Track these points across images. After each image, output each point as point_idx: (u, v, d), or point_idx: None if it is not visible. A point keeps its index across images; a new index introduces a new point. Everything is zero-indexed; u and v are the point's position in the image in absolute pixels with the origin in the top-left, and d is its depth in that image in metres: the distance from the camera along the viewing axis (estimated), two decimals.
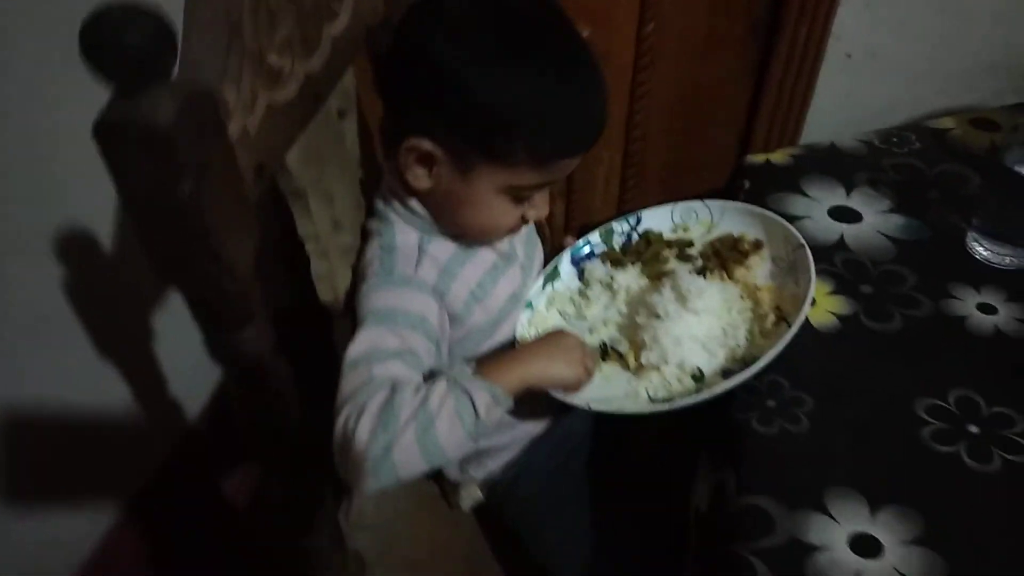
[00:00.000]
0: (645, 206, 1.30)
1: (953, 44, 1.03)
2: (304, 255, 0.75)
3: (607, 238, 0.87)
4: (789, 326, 0.67)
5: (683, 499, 0.75)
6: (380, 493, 0.94)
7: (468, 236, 0.74)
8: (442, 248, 0.74)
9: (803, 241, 0.74)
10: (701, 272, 0.79)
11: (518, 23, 0.64)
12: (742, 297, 0.76)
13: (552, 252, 0.89)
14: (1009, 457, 0.62)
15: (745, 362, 0.68)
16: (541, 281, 0.84)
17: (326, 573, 0.82)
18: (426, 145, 0.65)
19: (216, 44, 0.53)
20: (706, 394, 0.66)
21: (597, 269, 0.84)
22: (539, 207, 0.72)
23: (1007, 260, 0.78)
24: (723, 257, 0.79)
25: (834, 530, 0.58)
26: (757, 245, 0.79)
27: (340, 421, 0.63)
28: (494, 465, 0.86)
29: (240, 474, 1.39)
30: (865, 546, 0.57)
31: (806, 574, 0.55)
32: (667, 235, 0.85)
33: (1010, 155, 0.74)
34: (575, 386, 0.72)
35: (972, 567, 0.55)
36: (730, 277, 0.78)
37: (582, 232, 0.89)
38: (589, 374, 0.73)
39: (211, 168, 0.50)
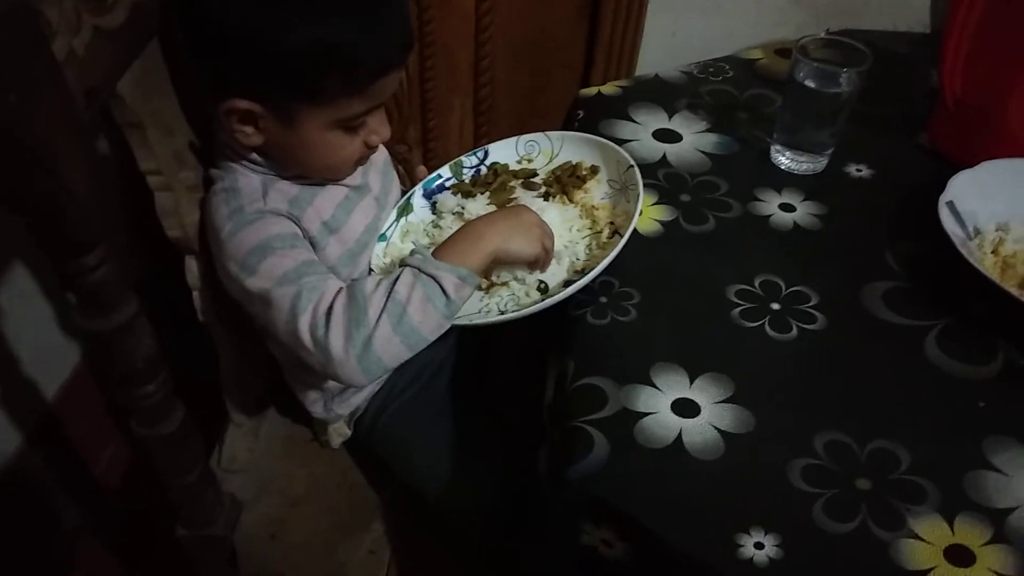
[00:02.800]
0: None
1: None
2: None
3: (457, 171, 0.91)
4: (621, 237, 0.73)
5: (539, 404, 0.81)
6: (253, 438, 0.95)
7: (318, 177, 0.76)
8: (287, 186, 0.75)
9: (632, 162, 0.81)
10: (544, 198, 0.84)
11: None
12: (581, 217, 0.82)
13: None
14: (804, 326, 0.71)
15: (584, 273, 0.74)
16: (395, 214, 0.87)
17: (199, 511, 0.83)
18: (243, 104, 0.66)
19: None
20: (548, 301, 0.71)
21: (448, 200, 0.88)
22: (378, 130, 0.73)
23: (805, 166, 0.88)
24: (563, 183, 0.85)
25: (659, 398, 0.65)
26: (594, 170, 0.86)
27: (306, 336, 0.66)
28: (358, 400, 0.88)
29: (110, 455, 1.35)
30: (685, 408, 0.64)
31: (636, 437, 0.62)
32: (513, 166, 0.90)
33: (797, 71, 0.84)
34: (535, 263, 0.74)
35: (774, 417, 0.64)
36: (570, 200, 0.83)
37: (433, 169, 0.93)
38: (548, 254, 0.74)
39: (37, 83, 0.51)
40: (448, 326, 0.69)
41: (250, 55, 0.64)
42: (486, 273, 0.79)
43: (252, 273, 0.69)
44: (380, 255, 0.83)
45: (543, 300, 0.72)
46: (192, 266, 0.78)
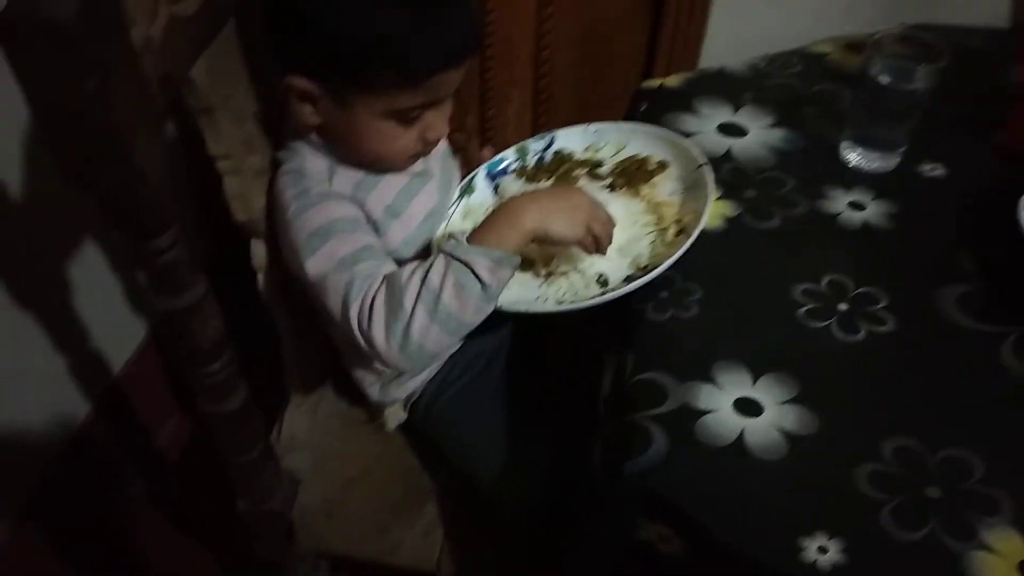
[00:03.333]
0: None
1: None
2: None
3: (522, 155, 0.90)
4: (688, 237, 0.71)
5: (595, 396, 0.80)
6: (312, 417, 0.97)
7: (372, 165, 0.76)
8: (352, 171, 0.76)
9: (704, 160, 0.78)
10: (609, 189, 0.82)
11: None
12: (646, 212, 0.80)
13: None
14: (873, 328, 0.69)
15: (647, 270, 0.72)
16: (457, 194, 0.87)
17: (258, 487, 0.84)
18: (302, 83, 0.68)
19: None
20: (607, 295, 0.70)
21: (511, 184, 0.87)
22: (436, 127, 0.73)
23: (876, 164, 0.86)
24: (630, 176, 0.83)
25: (720, 396, 0.64)
26: (662, 165, 0.83)
27: (354, 327, 0.67)
28: (413, 384, 0.89)
29: (171, 428, 1.40)
30: (748, 407, 0.63)
31: (696, 433, 0.61)
32: (579, 155, 0.88)
33: (872, 67, 0.81)
34: (582, 247, 0.72)
35: (838, 418, 0.62)
36: (636, 195, 0.82)
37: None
38: (599, 241, 0.71)
39: (115, 68, 0.52)
40: (491, 308, 0.68)
41: (309, 36, 0.66)
42: (545, 260, 0.78)
43: (312, 254, 0.70)
44: (444, 237, 0.83)
45: (602, 294, 0.71)
46: (258, 249, 0.80)
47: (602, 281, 0.75)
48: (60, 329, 1.12)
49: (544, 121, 1.33)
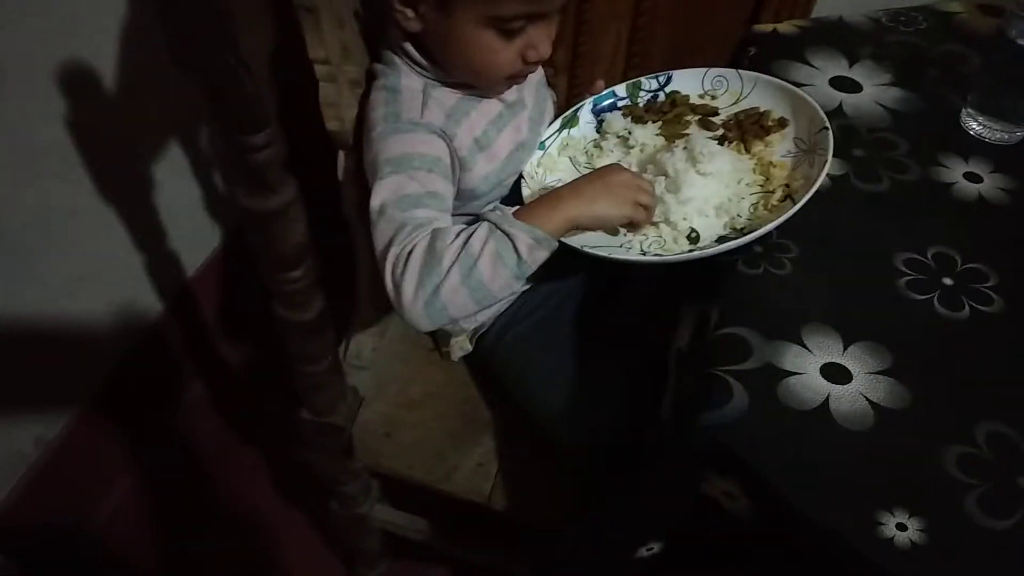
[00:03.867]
0: None
1: None
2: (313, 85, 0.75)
3: (633, 92, 0.86)
4: (793, 204, 0.68)
5: (667, 350, 0.79)
6: (379, 338, 0.97)
7: (469, 79, 0.74)
8: (447, 95, 0.74)
9: (828, 124, 0.73)
10: (719, 141, 0.78)
11: None
12: (754, 171, 0.76)
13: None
14: (978, 307, 0.65)
15: (743, 233, 0.70)
16: (559, 124, 0.84)
17: (323, 399, 0.86)
18: None
19: None
20: (694, 254, 0.68)
21: (616, 122, 0.84)
22: (538, 45, 0.71)
23: (998, 135, 0.80)
24: (744, 129, 0.78)
25: (808, 359, 0.61)
26: (781, 123, 0.78)
27: (387, 270, 0.67)
28: (483, 316, 0.89)
29: (235, 340, 1.44)
30: (836, 373, 0.61)
31: (779, 393, 0.59)
32: (694, 99, 0.84)
33: (1012, 28, 0.75)
34: (631, 225, 0.72)
35: (931, 395, 0.59)
36: (747, 151, 0.77)
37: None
38: (647, 211, 0.71)
39: None
40: (518, 287, 0.68)
41: None
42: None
43: (383, 179, 0.69)
44: (534, 163, 0.81)
45: (690, 251, 0.69)
46: (345, 162, 0.79)
47: (693, 237, 0.73)
48: (141, 226, 1.15)
49: (638, 62, 1.28)
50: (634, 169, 0.78)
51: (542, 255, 0.67)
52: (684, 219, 0.72)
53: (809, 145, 0.74)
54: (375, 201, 0.70)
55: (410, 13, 0.69)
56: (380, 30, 0.76)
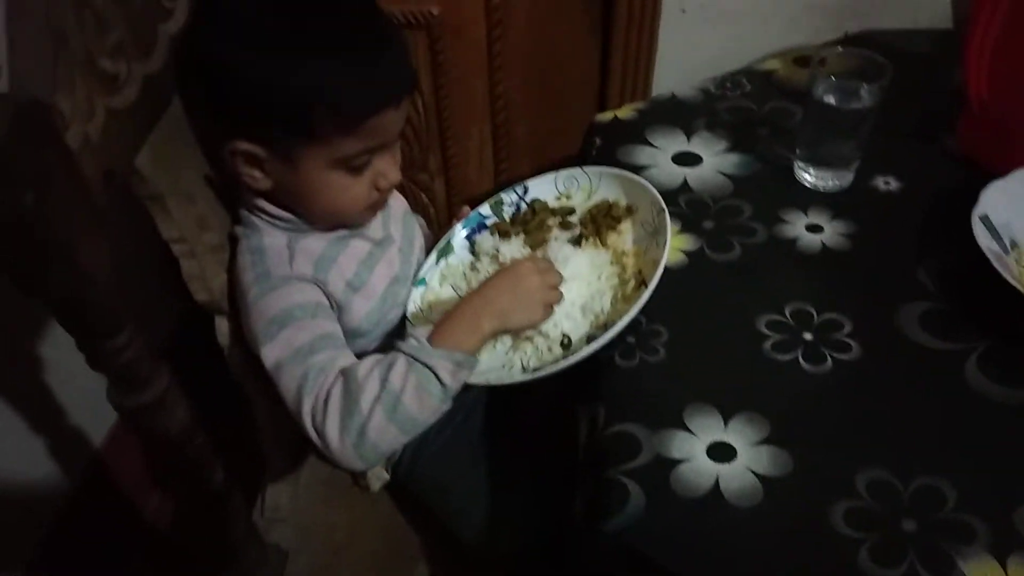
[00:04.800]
0: (519, 172, 1.35)
1: None
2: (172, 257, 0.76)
3: (497, 209, 0.89)
4: (646, 289, 0.70)
5: (573, 445, 0.80)
6: (294, 486, 0.96)
7: (330, 220, 0.76)
8: (312, 244, 0.75)
9: (663, 206, 0.77)
10: (578, 240, 0.81)
11: (294, 9, 0.65)
12: (611, 263, 0.79)
13: (440, 228, 0.91)
14: (839, 356, 0.70)
15: (607, 327, 0.72)
16: (434, 256, 0.86)
17: (245, 562, 0.83)
18: (244, 146, 0.68)
19: (42, 55, 0.54)
20: (569, 360, 0.69)
21: (486, 241, 0.87)
22: (386, 172, 0.73)
23: (830, 183, 0.86)
24: (598, 223, 0.82)
25: (693, 443, 0.64)
26: (629, 210, 0.82)
27: (307, 422, 0.67)
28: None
29: (158, 500, 1.38)
30: (721, 452, 0.63)
31: (672, 486, 0.61)
32: (552, 203, 0.88)
33: (817, 87, 0.82)
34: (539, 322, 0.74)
35: (810, 456, 0.63)
36: (603, 243, 0.81)
37: (475, 204, 0.92)
38: (551, 308, 0.73)
39: (52, 178, 0.51)
40: (447, 408, 0.68)
41: (244, 96, 0.65)
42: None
43: (270, 340, 0.70)
44: (417, 300, 0.83)
45: (566, 357, 0.71)
46: (222, 326, 0.79)
47: (565, 343, 0.75)
48: (37, 407, 1.10)
49: (505, 155, 1.32)
50: None
51: (465, 375, 0.68)
52: (555, 326, 0.75)
53: (653, 227, 0.79)
54: (269, 362, 0.69)
55: (257, 174, 0.71)
56: (233, 194, 0.77)
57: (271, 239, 0.74)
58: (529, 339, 0.75)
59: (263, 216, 0.74)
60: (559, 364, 0.70)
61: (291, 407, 0.68)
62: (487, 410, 0.90)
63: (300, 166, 0.69)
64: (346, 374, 0.67)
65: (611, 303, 0.76)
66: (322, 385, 0.67)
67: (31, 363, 1.10)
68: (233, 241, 0.77)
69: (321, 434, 0.66)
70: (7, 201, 0.48)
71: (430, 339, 0.68)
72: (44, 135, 0.51)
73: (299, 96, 0.64)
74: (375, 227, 0.81)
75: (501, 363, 0.75)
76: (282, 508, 0.93)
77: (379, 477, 0.92)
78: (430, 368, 0.66)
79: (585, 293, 0.76)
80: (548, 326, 0.75)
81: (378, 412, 0.65)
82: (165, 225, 0.71)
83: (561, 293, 0.74)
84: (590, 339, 0.72)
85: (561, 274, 0.75)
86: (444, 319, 0.71)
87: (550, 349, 0.75)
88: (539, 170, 1.33)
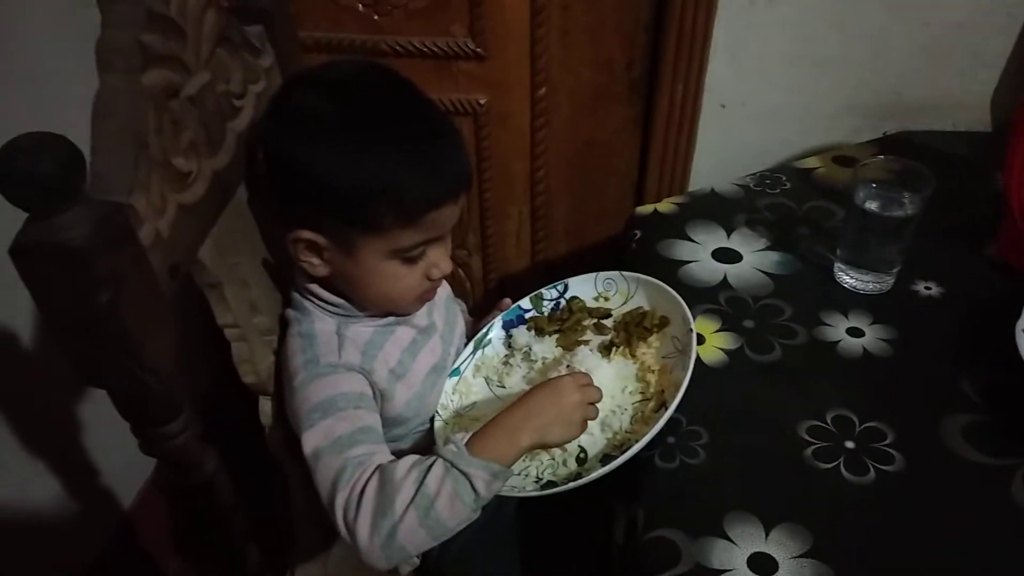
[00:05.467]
0: (555, 252, 1.38)
1: (812, 90, 1.14)
2: (222, 339, 0.78)
3: (537, 304, 0.91)
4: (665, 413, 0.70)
5: (605, 529, 0.80)
6: (323, 566, 0.96)
7: (382, 308, 0.78)
8: (360, 332, 0.77)
9: (693, 326, 0.76)
10: (609, 347, 0.82)
11: (359, 107, 0.69)
12: (637, 378, 0.79)
13: (476, 306, 0.93)
14: (881, 467, 0.69)
15: (622, 446, 0.73)
16: (472, 347, 0.88)
17: None
18: (307, 234, 0.70)
19: (123, 158, 0.57)
20: (579, 482, 0.70)
21: (521, 336, 0.88)
22: (439, 264, 0.75)
23: (871, 286, 0.87)
24: (629, 332, 0.82)
25: (733, 553, 0.64)
26: (663, 322, 0.82)
27: (339, 515, 0.67)
28: None
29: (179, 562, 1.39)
30: (762, 565, 0.63)
31: None
32: (589, 303, 0.89)
33: (858, 194, 0.83)
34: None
35: (855, 573, 0.62)
36: (632, 355, 0.81)
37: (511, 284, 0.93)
38: (587, 425, 0.73)
39: (126, 277, 0.54)
40: (475, 518, 0.68)
41: (310, 188, 0.69)
42: None
43: (311, 427, 0.71)
44: (449, 391, 0.84)
45: (580, 477, 0.71)
46: (265, 407, 0.81)
47: (581, 458, 0.75)
48: (69, 469, 1.12)
49: (543, 236, 1.35)
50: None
51: (498, 487, 0.69)
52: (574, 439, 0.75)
53: (683, 344, 0.78)
54: (307, 448, 0.70)
55: (316, 261, 0.73)
56: (286, 278, 0.80)
57: (321, 324, 0.76)
58: (545, 450, 0.76)
59: (315, 300, 0.77)
60: (569, 485, 0.70)
61: (325, 498, 0.69)
62: (518, 501, 0.90)
63: (358, 255, 0.72)
64: (383, 472, 0.67)
65: (630, 422, 0.76)
66: (358, 480, 0.67)
67: (71, 424, 1.13)
68: (283, 324, 0.79)
69: (351, 530, 0.66)
70: (85, 301, 0.51)
71: (468, 445, 0.69)
72: (122, 236, 0.53)
73: (363, 190, 0.67)
74: (420, 314, 0.83)
75: (519, 469, 0.76)
76: None
77: (409, 563, 0.91)
78: (466, 476, 0.66)
79: (607, 407, 0.76)
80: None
81: (411, 515, 0.65)
82: (220, 311, 0.73)
83: (598, 410, 0.74)
84: (604, 457, 0.73)
85: (601, 391, 0.75)
86: (484, 428, 0.71)
87: (565, 463, 0.75)
88: (575, 252, 1.38)
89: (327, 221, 0.70)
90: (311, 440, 0.70)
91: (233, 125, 0.74)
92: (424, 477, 0.66)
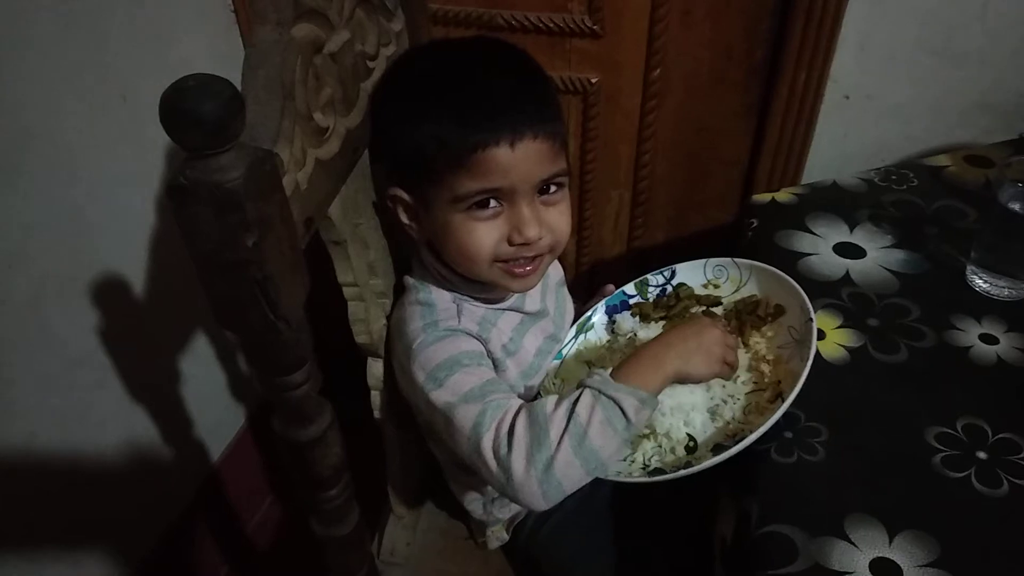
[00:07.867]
0: (652, 240, 1.35)
1: (944, 84, 1.08)
2: (338, 299, 0.79)
3: (642, 290, 0.89)
4: (782, 404, 0.68)
5: (704, 525, 0.78)
6: (412, 532, 0.96)
7: (463, 269, 0.75)
8: (474, 308, 0.77)
9: (812, 315, 0.73)
10: None
11: (442, 65, 0.72)
12: (749, 368, 0.77)
13: (568, 289, 0.92)
14: (1016, 481, 0.65)
15: (735, 436, 0.71)
16: (574, 331, 0.87)
17: None
18: (396, 191, 0.73)
19: (272, 108, 0.58)
20: (691, 470, 0.68)
21: (625, 323, 0.87)
22: (520, 228, 0.70)
23: (1005, 292, 0.82)
24: (742, 321, 0.80)
25: (855, 555, 0.61)
26: (779, 311, 0.79)
27: (488, 455, 0.65)
28: (518, 506, 0.88)
29: (261, 515, 1.43)
30: (885, 570, 0.60)
31: None
32: (698, 290, 0.86)
33: (1003, 193, 0.78)
34: (717, 377, 0.73)
35: None
36: (745, 343, 0.79)
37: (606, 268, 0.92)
38: (732, 368, 0.73)
39: (271, 222, 0.54)
40: (625, 451, 0.67)
41: (387, 143, 0.73)
42: None
43: (439, 386, 0.70)
44: (551, 375, 0.83)
45: (689, 465, 0.69)
46: (375, 368, 0.81)
47: (690, 447, 0.73)
48: (168, 419, 1.16)
49: (641, 222, 1.32)
50: None
51: (646, 415, 0.67)
52: (681, 426, 0.74)
53: (801, 335, 0.75)
54: (441, 403, 0.69)
55: (408, 221, 0.75)
56: (409, 243, 0.80)
57: (439, 295, 0.76)
58: (649, 436, 0.74)
59: (430, 270, 0.77)
60: (680, 472, 0.69)
61: (467, 446, 0.67)
62: (614, 484, 0.88)
63: (432, 210, 0.72)
64: (530, 408, 0.66)
65: (743, 411, 0.74)
66: (503, 420, 0.66)
67: (172, 377, 1.17)
68: (400, 290, 0.79)
69: (505, 467, 0.64)
70: (234, 243, 0.52)
71: (612, 376, 0.67)
72: (271, 182, 0.54)
73: (417, 135, 0.69)
74: (532, 300, 0.82)
75: (621, 456, 0.74)
76: (399, 553, 0.94)
77: (498, 537, 0.91)
78: (615, 402, 0.64)
79: (717, 395, 0.74)
80: (672, 426, 0.73)
81: (565, 445, 0.63)
82: (342, 268, 0.74)
83: (738, 357, 0.73)
84: (715, 447, 0.71)
85: (739, 340, 0.73)
86: (626, 360, 0.70)
87: (673, 450, 0.73)
88: (673, 239, 1.35)
89: (406, 177, 0.72)
90: (441, 397, 0.70)
91: (366, 86, 0.74)
92: (574, 407, 0.65)
